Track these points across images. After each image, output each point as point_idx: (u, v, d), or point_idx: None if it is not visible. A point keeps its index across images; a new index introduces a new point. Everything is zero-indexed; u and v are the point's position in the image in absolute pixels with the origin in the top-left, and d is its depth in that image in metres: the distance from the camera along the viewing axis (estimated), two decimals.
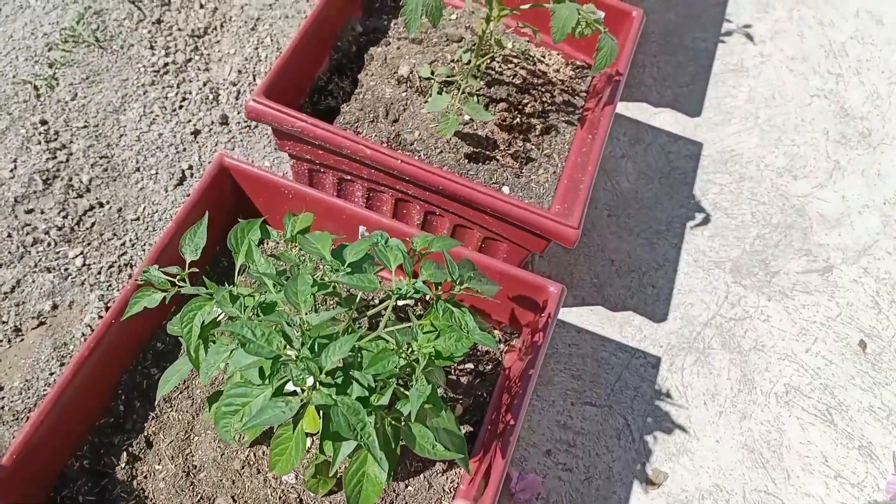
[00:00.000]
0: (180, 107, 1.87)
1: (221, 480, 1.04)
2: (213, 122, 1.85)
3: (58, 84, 1.83)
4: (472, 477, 1.02)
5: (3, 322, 1.50)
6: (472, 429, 1.14)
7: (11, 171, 1.69)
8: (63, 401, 0.98)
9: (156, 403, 1.04)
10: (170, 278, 0.87)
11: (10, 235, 1.59)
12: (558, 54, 1.63)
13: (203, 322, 0.84)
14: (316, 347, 0.76)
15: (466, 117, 1.42)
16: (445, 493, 1.07)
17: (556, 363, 1.64)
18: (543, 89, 1.56)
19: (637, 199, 1.93)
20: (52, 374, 1.44)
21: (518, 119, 1.49)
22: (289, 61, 1.33)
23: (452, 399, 1.16)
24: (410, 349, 0.78)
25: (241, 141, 1.85)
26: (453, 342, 0.79)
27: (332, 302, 1.06)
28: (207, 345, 0.87)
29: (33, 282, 1.55)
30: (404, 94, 1.45)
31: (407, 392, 0.82)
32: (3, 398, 1.43)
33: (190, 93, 1.90)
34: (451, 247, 0.87)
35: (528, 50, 1.61)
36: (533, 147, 1.48)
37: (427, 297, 0.82)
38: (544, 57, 1.61)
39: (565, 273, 1.76)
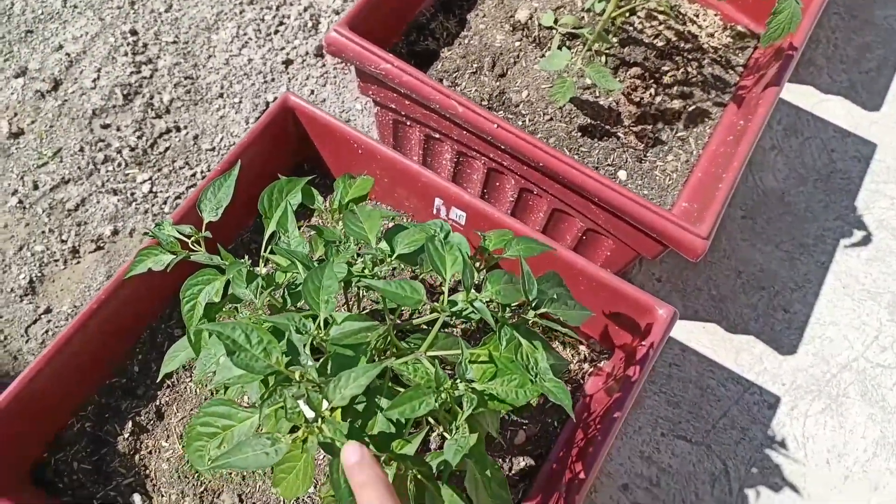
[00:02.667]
0: (276, 32, 1.71)
1: (230, 474, 0.89)
2: (307, 53, 1.68)
3: None
4: None
5: (63, 241, 1.42)
6: (532, 462, 0.93)
7: (94, 81, 1.59)
8: (71, 348, 0.85)
9: (158, 379, 0.89)
10: (182, 238, 0.69)
11: (81, 150, 1.50)
12: (715, 14, 1.32)
13: (221, 298, 0.67)
14: (329, 368, 0.57)
15: (588, 81, 1.16)
16: None
17: (651, 383, 1.38)
18: (690, 56, 1.27)
19: (782, 203, 1.60)
20: None
21: (652, 90, 1.21)
22: None
23: (515, 424, 0.95)
24: (454, 386, 0.58)
25: (335, 78, 1.66)
26: (514, 388, 0.57)
27: (368, 301, 0.86)
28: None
29: (98, 202, 1.46)
30: (518, 43, 1.20)
31: (447, 435, 0.61)
32: (49, 321, 1.35)
33: (288, 17, 1.73)
34: (535, 253, 0.64)
35: (678, 5, 1.31)
36: (665, 127, 1.20)
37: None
38: (697, 16, 1.31)
39: (678, 277, 1.49)
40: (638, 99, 1.21)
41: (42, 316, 1.35)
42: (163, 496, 0.88)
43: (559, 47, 1.17)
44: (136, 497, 0.87)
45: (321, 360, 0.57)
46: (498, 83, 1.18)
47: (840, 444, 1.37)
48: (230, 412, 0.59)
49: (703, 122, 1.21)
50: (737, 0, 1.29)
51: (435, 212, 0.99)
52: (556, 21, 1.20)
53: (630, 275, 1.46)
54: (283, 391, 0.54)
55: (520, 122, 1.15)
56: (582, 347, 1.01)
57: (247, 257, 0.66)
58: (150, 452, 0.91)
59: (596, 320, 0.97)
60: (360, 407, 0.62)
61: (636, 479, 1.31)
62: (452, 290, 0.64)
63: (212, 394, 0.94)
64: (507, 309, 0.62)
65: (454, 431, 0.58)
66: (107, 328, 0.88)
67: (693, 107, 1.22)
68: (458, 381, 0.57)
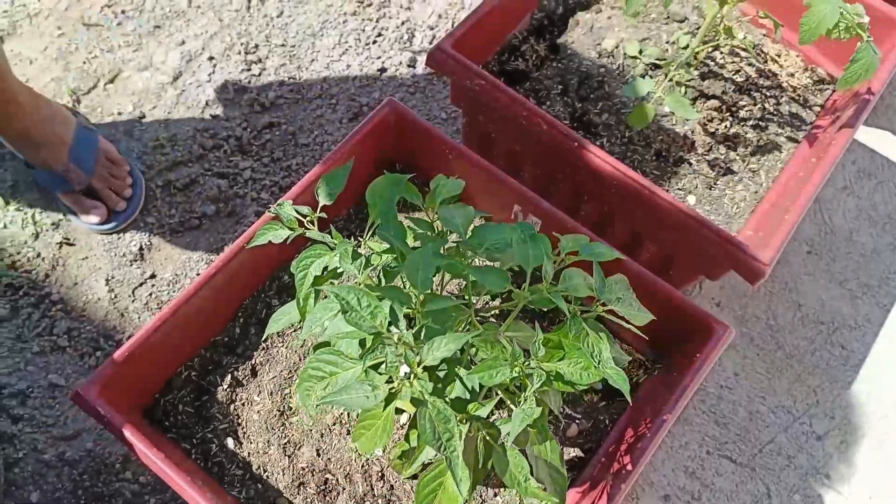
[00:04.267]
0: (374, 42, 1.84)
1: (311, 430, 1.01)
2: (401, 63, 1.80)
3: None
4: None
5: (171, 216, 1.57)
6: (583, 455, 1.01)
7: (209, 75, 1.75)
8: (185, 311, 0.97)
9: (262, 339, 1.01)
10: (300, 217, 0.81)
11: (193, 136, 1.66)
12: (798, 56, 1.38)
13: (322, 272, 0.78)
14: (422, 335, 0.67)
15: (665, 109, 1.24)
16: None
17: (701, 402, 1.43)
18: (768, 93, 1.33)
19: (849, 242, 1.63)
20: (198, 274, 1.49)
21: (728, 122, 1.28)
22: (486, 16, 1.22)
23: (569, 417, 1.03)
24: (527, 363, 0.66)
25: (424, 88, 1.78)
26: (578, 370, 0.66)
27: (455, 285, 0.96)
28: (318, 297, 0.81)
29: (204, 184, 1.61)
30: (602, 69, 1.29)
31: (514, 407, 0.70)
32: (153, 285, 1.50)
33: (386, 29, 1.86)
34: (607, 258, 0.73)
35: (761, 45, 1.37)
36: (737, 158, 1.27)
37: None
38: (779, 56, 1.37)
39: (737, 303, 1.53)
40: (713, 130, 1.27)
41: (147, 280, 1.50)
42: (251, 443, 1.00)
43: (642, 75, 1.25)
44: (230, 440, 0.99)
45: (416, 328, 0.67)
46: (581, 105, 1.27)
47: (885, 483, 1.39)
48: (337, 361, 0.70)
49: (775, 156, 1.27)
50: (821, 44, 1.34)
51: (513, 216, 1.08)
52: (640, 51, 1.28)
53: (689, 297, 1.52)
54: (384, 348, 0.64)
55: (598, 143, 1.23)
56: (638, 354, 1.08)
57: (352, 238, 0.77)
58: (243, 404, 1.03)
59: (655, 330, 1.04)
60: (441, 374, 0.72)
61: (678, 492, 1.37)
62: (531, 283, 0.74)
63: (300, 359, 1.05)
64: (579, 302, 0.71)
65: (522, 402, 0.66)
66: (218, 292, 1.00)
67: (767, 140, 1.28)
68: (531, 358, 0.66)
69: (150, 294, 1.49)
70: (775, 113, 1.31)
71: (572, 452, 0.98)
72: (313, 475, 0.95)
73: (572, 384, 0.67)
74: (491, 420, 0.73)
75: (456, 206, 0.80)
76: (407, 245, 0.74)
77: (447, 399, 0.68)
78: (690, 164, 1.24)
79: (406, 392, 0.64)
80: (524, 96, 1.28)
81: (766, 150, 1.27)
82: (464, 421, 0.69)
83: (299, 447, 0.99)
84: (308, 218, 0.80)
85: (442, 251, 0.76)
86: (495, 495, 0.99)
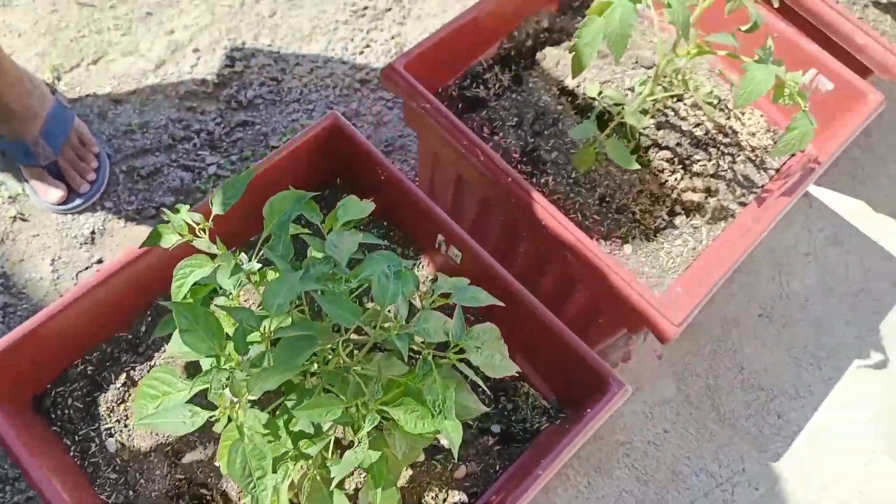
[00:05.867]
0: (361, 52, 1.85)
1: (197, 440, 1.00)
2: None
3: None
4: None
5: (129, 202, 1.59)
6: (466, 499, 0.99)
7: (192, 67, 1.77)
8: (94, 296, 0.97)
9: (164, 340, 1.01)
10: (192, 224, 0.81)
11: (166, 125, 1.67)
12: (762, 115, 1.37)
13: (203, 283, 0.78)
14: (266, 363, 0.66)
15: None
16: None
17: (626, 455, 1.41)
18: (726, 150, 1.32)
19: (803, 309, 1.61)
20: None
21: (679, 175, 1.27)
22: (446, 39, 1.22)
23: (461, 457, 1.01)
24: (365, 405, 0.65)
25: (402, 104, 1.79)
26: (414, 417, 0.65)
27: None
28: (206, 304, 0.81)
29: (168, 174, 1.62)
30: (560, 107, 1.29)
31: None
32: (98, 271, 1.51)
33: (375, 41, 1.87)
34: (480, 304, 0.72)
35: (727, 100, 1.36)
36: (682, 213, 1.25)
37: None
38: (743, 114, 1.36)
39: (679, 360, 1.52)
40: (662, 181, 1.26)
41: (94, 265, 1.52)
42: (135, 446, 0.99)
43: (598, 117, 1.24)
44: (112, 441, 0.98)
45: (256, 355, 0.67)
46: (533, 140, 1.26)
47: None
48: (171, 381, 0.69)
49: (721, 218, 1.25)
50: (783, 106, 1.33)
51: (437, 246, 1.08)
52: (600, 93, 1.28)
53: (634, 347, 1.50)
54: (215, 373, 0.63)
55: (543, 181, 1.23)
56: (544, 401, 1.07)
57: (243, 254, 0.77)
58: (133, 405, 1.03)
59: (559, 378, 1.03)
60: (290, 403, 0.71)
61: None
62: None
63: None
64: (433, 346, 0.69)
65: (354, 444, 0.65)
66: (127, 286, 1.00)
67: (715, 200, 1.27)
68: (369, 400, 0.65)
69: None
70: (729, 172, 1.30)
71: (457, 496, 0.97)
72: (189, 487, 0.94)
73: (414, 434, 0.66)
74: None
75: (350, 233, 0.79)
76: (287, 265, 0.73)
77: (291, 431, 0.68)
78: (633, 212, 1.23)
79: (223, 421, 0.63)
80: (479, 124, 1.29)
81: (713, 211, 1.26)
82: (295, 458, 0.68)
83: (181, 456, 0.98)
84: (200, 226, 0.80)
85: (314, 277, 0.75)
86: None
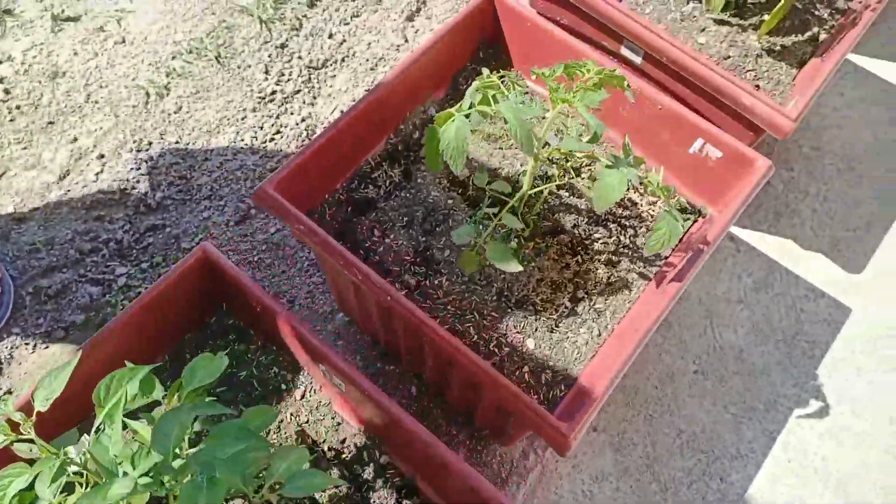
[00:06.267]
0: (271, 140, 1.82)
1: None
2: None
3: (168, 94, 1.86)
4: None
5: (38, 325, 1.54)
6: None
7: (97, 174, 1.73)
8: None
9: None
10: (16, 422, 0.76)
11: (72, 238, 1.63)
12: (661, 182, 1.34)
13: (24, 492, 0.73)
14: None
15: (514, 244, 1.20)
16: None
17: None
18: (626, 223, 1.29)
19: (739, 360, 1.57)
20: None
21: (579, 257, 1.24)
22: (325, 147, 1.19)
23: None
24: None
25: None
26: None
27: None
28: None
29: (76, 291, 1.58)
30: (451, 201, 1.26)
31: None
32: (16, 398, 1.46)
33: (286, 126, 1.84)
34: (314, 489, 0.68)
35: None
36: (584, 297, 1.22)
37: None
38: (641, 184, 1.33)
39: (615, 428, 1.48)
40: (562, 265, 1.23)
41: (3, 396, 1.46)
42: None
43: (475, 222, 1.20)
44: None
45: None
46: (425, 239, 1.23)
47: None
48: None
49: (623, 296, 1.22)
50: (681, 173, 1.31)
51: (322, 374, 1.04)
52: (489, 183, 1.25)
53: None
54: None
55: (437, 282, 1.19)
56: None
57: (72, 448, 0.73)
58: None
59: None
60: None
61: None
62: None
63: None
64: None
65: None
66: None
67: (617, 278, 1.24)
68: None
69: None
70: (630, 247, 1.27)
71: None
72: None
73: None
74: None
75: (189, 407, 0.75)
76: (111, 468, 0.69)
77: None
78: (533, 304, 1.20)
79: None
80: (370, 226, 1.25)
81: (615, 289, 1.23)
82: None
83: None
84: (22, 426, 0.75)
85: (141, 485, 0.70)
86: None
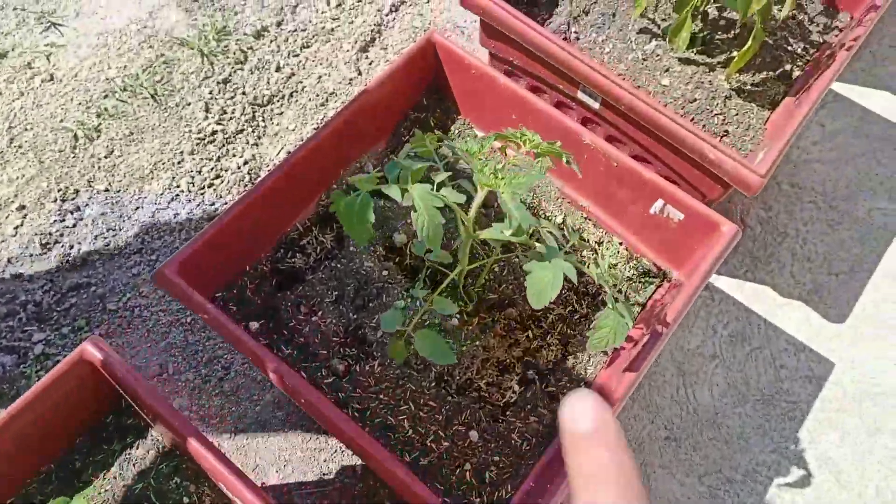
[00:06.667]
0: (210, 185, 1.69)
1: None
2: None
3: (98, 137, 1.72)
4: None
5: None
6: None
7: (16, 228, 1.59)
8: None
9: None
10: None
11: None
12: (620, 243, 1.22)
13: None
14: None
15: (455, 322, 1.07)
16: None
17: None
18: (583, 289, 1.17)
19: (714, 425, 1.45)
20: None
21: (530, 332, 1.11)
22: (243, 214, 1.06)
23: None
24: None
25: None
26: None
27: None
28: None
29: None
30: (386, 272, 1.13)
31: None
32: None
33: (226, 170, 1.71)
34: None
35: (582, 230, 1.22)
36: (535, 379, 1.09)
37: None
38: (601, 244, 1.21)
39: None
40: (511, 342, 1.11)
41: None
42: None
43: (403, 308, 1.06)
44: None
45: None
46: (356, 316, 1.10)
47: None
48: None
49: (578, 374, 1.10)
50: (643, 234, 1.18)
51: None
52: (426, 252, 1.12)
53: None
54: None
55: (367, 367, 1.06)
56: None
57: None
58: None
59: None
60: None
61: None
62: None
63: None
64: None
65: None
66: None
67: (572, 357, 1.11)
68: None
69: None
70: (589, 317, 1.14)
71: None
72: None
73: None
74: None
75: None
76: None
77: None
78: (478, 389, 1.07)
79: None
80: (296, 302, 1.12)
81: (569, 369, 1.10)
82: None
83: None
84: None
85: None
86: None
